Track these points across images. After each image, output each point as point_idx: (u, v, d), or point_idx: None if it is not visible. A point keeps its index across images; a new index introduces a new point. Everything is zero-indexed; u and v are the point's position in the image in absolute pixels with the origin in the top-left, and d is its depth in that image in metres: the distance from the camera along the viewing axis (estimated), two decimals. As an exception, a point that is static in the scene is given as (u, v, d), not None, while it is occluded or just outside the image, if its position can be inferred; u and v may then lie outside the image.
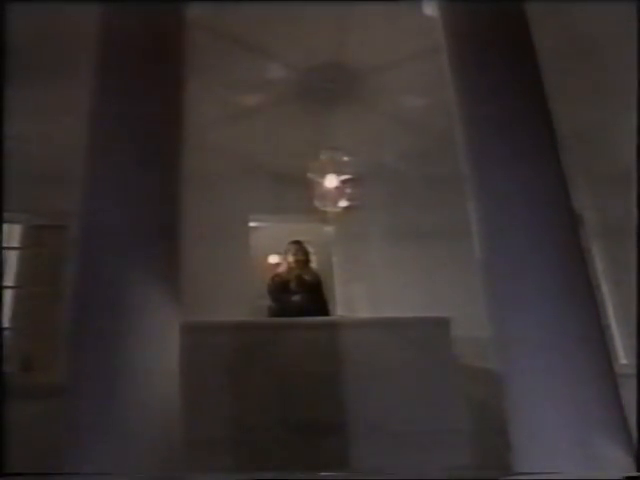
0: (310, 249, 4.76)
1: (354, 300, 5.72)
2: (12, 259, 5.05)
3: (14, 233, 5.17)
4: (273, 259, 6.24)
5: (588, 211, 5.33)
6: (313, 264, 4.79)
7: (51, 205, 4.77)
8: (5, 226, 4.27)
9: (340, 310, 5.54)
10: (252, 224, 5.95)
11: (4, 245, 4.50)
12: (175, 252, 2.37)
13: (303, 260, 4.64)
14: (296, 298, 4.48)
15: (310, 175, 4.83)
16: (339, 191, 4.84)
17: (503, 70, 2.66)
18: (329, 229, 6.06)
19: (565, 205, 2.46)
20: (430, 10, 3.08)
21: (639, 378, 2.07)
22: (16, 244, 5.16)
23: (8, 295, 4.81)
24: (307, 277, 4.57)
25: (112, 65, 2.51)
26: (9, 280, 4.92)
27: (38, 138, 4.15)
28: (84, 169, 2.35)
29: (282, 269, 4.75)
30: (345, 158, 4.80)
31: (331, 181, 4.83)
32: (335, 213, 5.02)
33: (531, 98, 2.63)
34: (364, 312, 5.50)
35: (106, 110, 2.42)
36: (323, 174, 4.82)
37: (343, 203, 4.86)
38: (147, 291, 2.19)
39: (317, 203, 4.86)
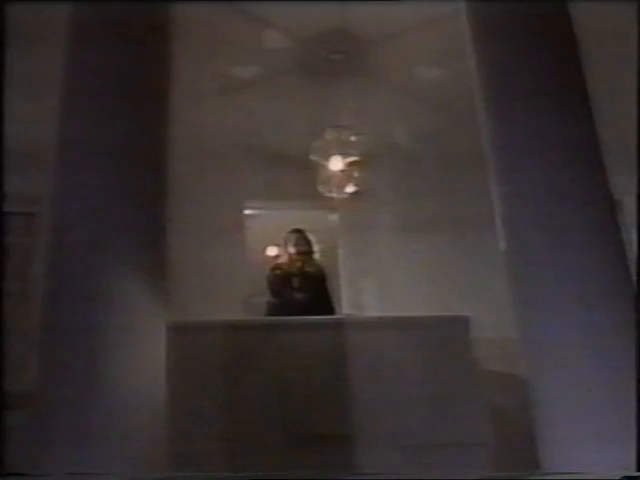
0: (313, 239, 4.74)
1: (362, 297, 5.72)
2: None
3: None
4: (271, 251, 6.22)
5: (629, 197, 5.28)
6: (316, 256, 4.77)
7: (18, 189, 4.74)
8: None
9: (346, 308, 5.55)
10: (247, 211, 5.95)
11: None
12: (161, 242, 2.35)
13: (305, 251, 4.62)
14: (299, 295, 4.46)
15: (313, 157, 4.80)
16: (345, 175, 4.81)
17: (532, 37, 2.62)
18: (334, 217, 6.05)
19: (602, 190, 2.43)
20: (448, -31, 3.04)
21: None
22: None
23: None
24: (310, 269, 4.55)
25: (88, 33, 2.47)
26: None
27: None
28: (56, 149, 2.32)
29: (282, 261, 4.73)
30: (352, 137, 4.76)
31: (336, 163, 4.80)
32: (341, 199, 5.00)
33: (564, 69, 2.59)
34: (373, 310, 5.51)
35: (81, 83, 2.39)
36: (327, 155, 4.79)
37: (350, 188, 4.84)
38: (129, 286, 2.17)
39: (321, 188, 4.84)
